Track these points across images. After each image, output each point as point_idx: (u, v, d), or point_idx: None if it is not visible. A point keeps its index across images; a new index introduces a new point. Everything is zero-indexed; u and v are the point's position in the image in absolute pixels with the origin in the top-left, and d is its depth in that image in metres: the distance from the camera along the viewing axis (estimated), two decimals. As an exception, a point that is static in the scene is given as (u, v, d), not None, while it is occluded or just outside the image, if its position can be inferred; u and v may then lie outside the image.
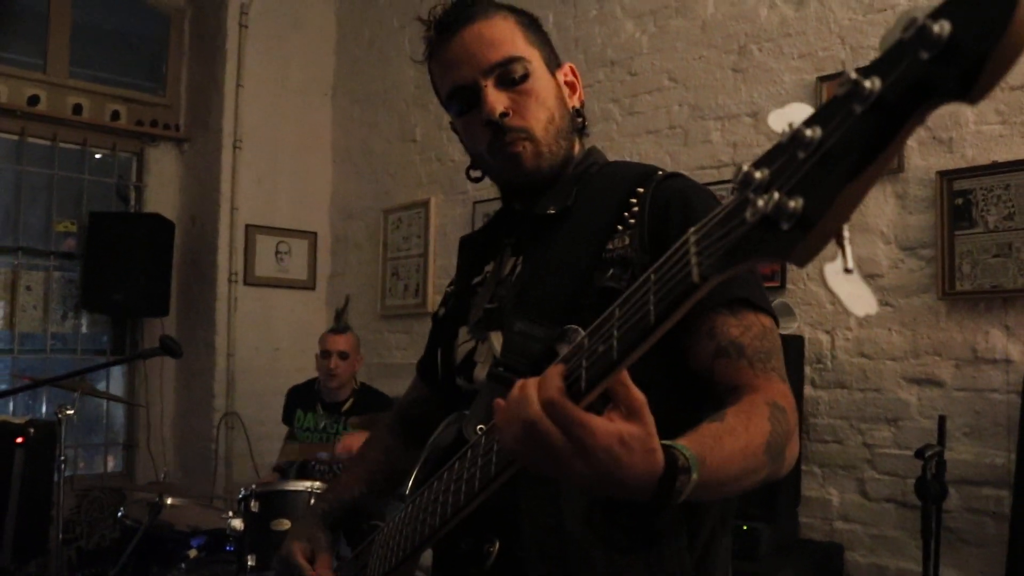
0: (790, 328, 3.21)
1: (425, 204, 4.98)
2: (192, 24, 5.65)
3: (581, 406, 0.82)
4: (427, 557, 1.34)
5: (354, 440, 3.69)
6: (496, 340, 1.29)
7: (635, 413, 0.82)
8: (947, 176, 3.00)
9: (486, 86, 1.29)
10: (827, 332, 3.29)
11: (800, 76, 3.43)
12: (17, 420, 4.00)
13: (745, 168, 0.68)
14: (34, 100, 5.00)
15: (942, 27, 0.53)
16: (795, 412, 1.06)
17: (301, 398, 4.33)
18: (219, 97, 5.31)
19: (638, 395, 0.82)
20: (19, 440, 3.80)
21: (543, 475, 0.86)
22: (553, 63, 1.37)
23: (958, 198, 2.97)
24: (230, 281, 5.25)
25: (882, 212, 3.14)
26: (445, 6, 1.33)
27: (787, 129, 0.66)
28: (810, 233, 0.62)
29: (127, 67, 5.61)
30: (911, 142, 2.97)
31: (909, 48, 0.56)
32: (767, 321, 1.15)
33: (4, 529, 3.73)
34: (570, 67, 1.41)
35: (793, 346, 3.19)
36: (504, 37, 1.31)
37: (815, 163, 0.63)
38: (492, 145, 1.31)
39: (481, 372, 1.31)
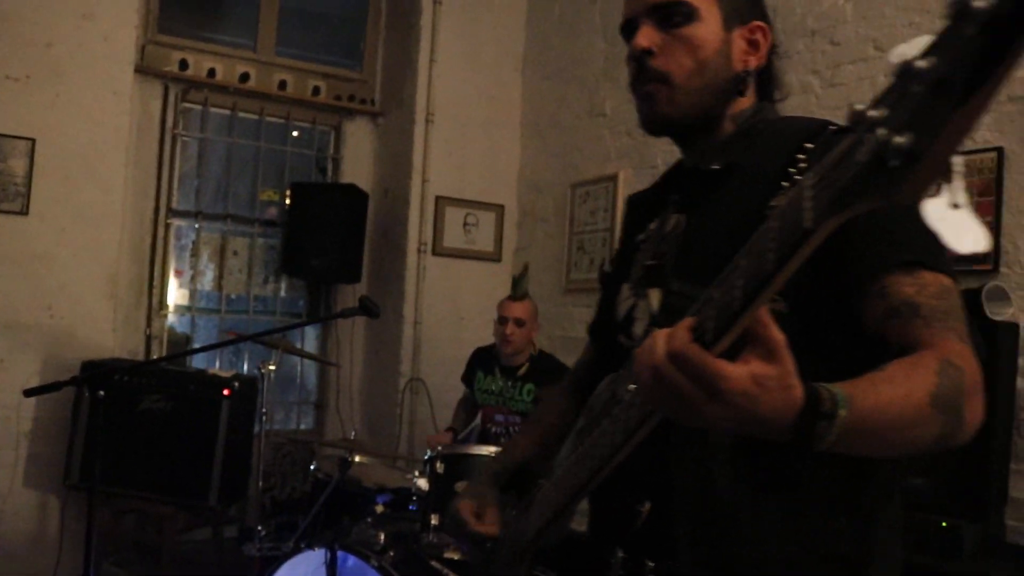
0: (1004, 314, 2.98)
1: (613, 178, 4.93)
2: (388, 2, 5.84)
3: (714, 354, 0.83)
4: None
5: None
6: (654, 297, 1.32)
7: (772, 353, 0.83)
8: None
9: (643, 23, 1.31)
10: (1048, 319, 3.02)
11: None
12: (224, 374, 4.29)
13: (857, 107, 0.66)
14: (244, 77, 5.32)
15: None
16: (977, 374, 1.01)
17: (483, 360, 4.45)
18: (413, 73, 5.47)
19: (776, 335, 0.83)
20: (226, 392, 4.07)
21: (684, 424, 0.88)
22: (735, 19, 1.32)
23: None
24: (419, 251, 5.41)
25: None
26: None
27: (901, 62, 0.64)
28: (917, 167, 0.61)
29: (327, 45, 5.86)
30: None
31: None
32: (946, 281, 1.08)
33: (212, 474, 4.01)
34: (759, 25, 1.34)
35: (1007, 334, 2.95)
36: None
37: (926, 95, 0.61)
38: (633, 82, 1.34)
39: (639, 329, 1.34)
